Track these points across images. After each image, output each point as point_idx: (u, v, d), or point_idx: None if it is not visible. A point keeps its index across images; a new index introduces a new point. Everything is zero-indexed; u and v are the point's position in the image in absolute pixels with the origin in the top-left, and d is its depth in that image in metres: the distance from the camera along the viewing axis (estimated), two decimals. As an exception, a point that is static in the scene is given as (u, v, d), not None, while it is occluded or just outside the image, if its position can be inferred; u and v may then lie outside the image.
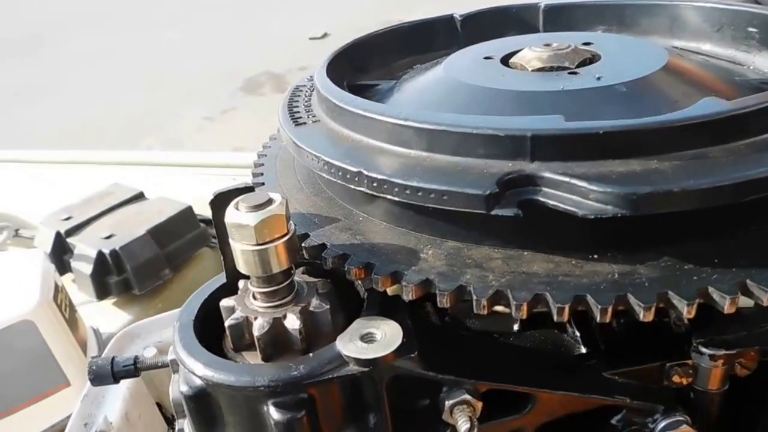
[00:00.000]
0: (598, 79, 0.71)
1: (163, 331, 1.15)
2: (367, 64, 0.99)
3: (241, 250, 0.59)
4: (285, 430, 0.57)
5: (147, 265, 2.04)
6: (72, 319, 1.82)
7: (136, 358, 0.82)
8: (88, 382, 1.09)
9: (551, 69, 0.76)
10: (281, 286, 0.61)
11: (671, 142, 0.56)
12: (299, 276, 0.66)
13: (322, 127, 0.76)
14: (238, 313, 0.62)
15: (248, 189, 0.66)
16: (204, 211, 2.24)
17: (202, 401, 0.60)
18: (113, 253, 2.02)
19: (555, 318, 0.55)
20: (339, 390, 0.58)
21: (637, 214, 0.53)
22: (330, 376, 0.56)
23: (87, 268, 2.02)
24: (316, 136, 0.74)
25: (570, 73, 0.74)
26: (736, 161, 0.55)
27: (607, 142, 0.56)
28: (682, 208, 0.54)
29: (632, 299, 0.54)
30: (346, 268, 0.61)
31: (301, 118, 0.80)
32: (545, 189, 0.56)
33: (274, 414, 0.57)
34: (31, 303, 1.65)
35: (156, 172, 2.40)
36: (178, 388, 0.64)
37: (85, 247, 2.04)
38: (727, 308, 0.53)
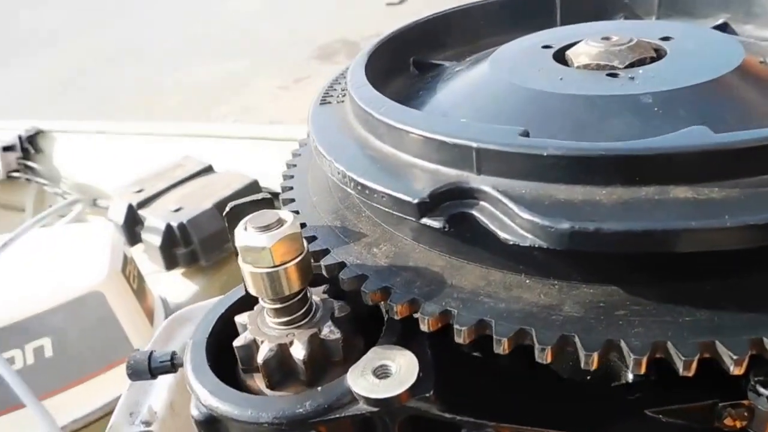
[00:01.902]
0: (632, 79, 0.61)
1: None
2: (445, 39, 0.89)
3: (250, 272, 0.53)
4: (292, 466, 0.52)
5: (213, 238, 2.03)
6: (140, 290, 1.83)
7: (173, 354, 0.78)
8: (156, 331, 1.08)
9: (596, 67, 0.65)
10: (293, 306, 0.55)
11: (618, 174, 0.48)
12: (319, 295, 0.59)
13: (340, 109, 0.70)
14: (247, 334, 0.56)
15: (266, 201, 0.60)
16: (270, 184, 2.21)
17: (211, 427, 0.56)
18: (181, 225, 2.02)
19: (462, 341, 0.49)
20: (348, 428, 0.52)
21: (556, 248, 0.46)
22: (337, 415, 0.50)
23: (156, 240, 2.03)
24: (325, 117, 0.69)
25: (609, 74, 0.63)
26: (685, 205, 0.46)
27: (552, 165, 0.49)
28: (605, 249, 0.46)
29: (534, 335, 0.47)
30: (362, 292, 0.54)
31: (332, 96, 0.74)
32: (483, 204, 0.51)
33: (281, 451, 0.52)
34: (100, 275, 1.66)
35: (225, 145, 2.38)
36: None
37: (155, 220, 2.05)
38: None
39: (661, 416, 0.57)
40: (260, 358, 0.53)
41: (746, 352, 0.44)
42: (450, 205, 0.52)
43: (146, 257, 2.08)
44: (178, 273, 2.09)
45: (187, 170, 2.25)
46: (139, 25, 8.48)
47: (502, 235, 0.49)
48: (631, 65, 0.63)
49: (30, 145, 2.56)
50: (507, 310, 0.50)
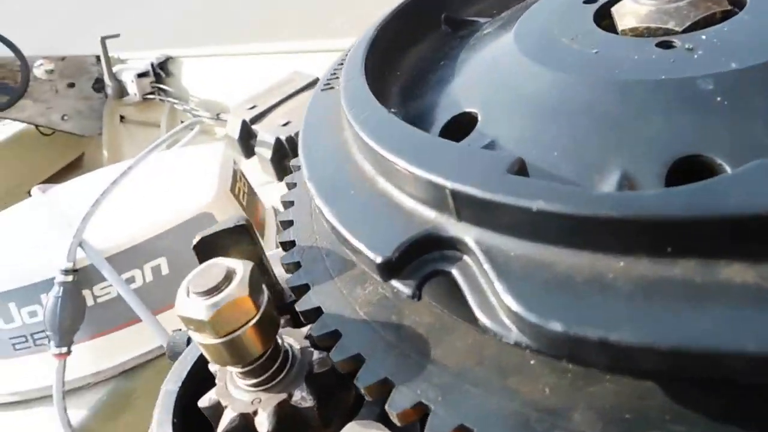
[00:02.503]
0: (689, 51, 0.40)
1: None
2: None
3: (202, 344, 0.44)
4: None
5: (320, 149, 2.00)
6: (250, 204, 1.85)
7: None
8: None
9: (646, 32, 0.44)
10: (259, 367, 0.45)
11: (640, 242, 0.31)
12: (299, 341, 0.49)
13: (336, 98, 0.56)
14: (212, 395, 0.48)
15: (241, 228, 0.50)
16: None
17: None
18: (289, 138, 1.99)
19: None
20: None
21: (547, 353, 0.32)
22: None
23: (267, 153, 2.03)
24: (322, 107, 0.57)
25: (660, 44, 0.42)
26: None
27: (547, 222, 0.33)
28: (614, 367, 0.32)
29: None
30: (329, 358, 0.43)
31: (337, 78, 0.60)
32: (466, 260, 0.36)
33: None
34: (209, 196, 1.68)
35: (332, 59, 2.28)
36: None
37: (265, 134, 2.04)
38: None
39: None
40: (220, 430, 0.46)
41: None
42: (425, 261, 0.38)
43: (260, 169, 2.10)
44: (289, 183, 2.10)
45: (295, 85, 2.21)
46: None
47: (482, 319, 0.34)
48: (693, 27, 0.43)
49: (161, 71, 2.64)
50: (496, 414, 0.37)
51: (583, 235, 0.33)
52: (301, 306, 0.47)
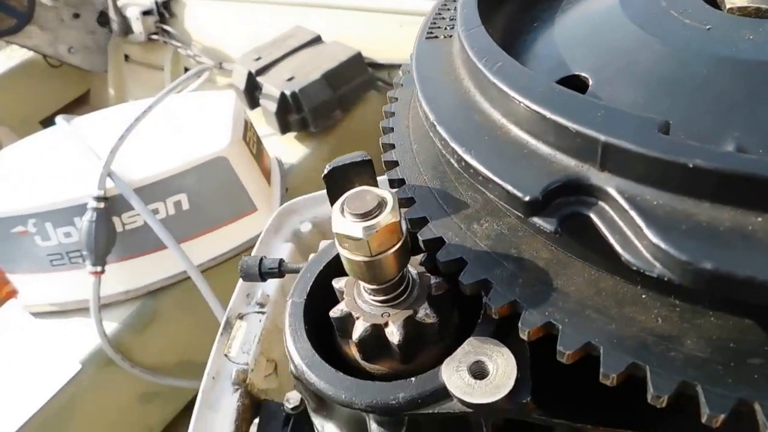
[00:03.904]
0: None
1: (318, 208, 1.07)
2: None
3: (347, 258, 0.44)
4: (384, 447, 0.46)
5: (321, 107, 1.97)
6: (258, 152, 1.81)
7: (280, 261, 0.74)
8: (268, 220, 1.07)
9: (755, 12, 0.44)
10: (389, 288, 0.46)
11: None
12: (415, 266, 0.50)
13: (446, 48, 0.54)
14: (343, 307, 0.48)
15: (365, 163, 0.49)
16: (372, 54, 2.06)
17: (306, 387, 0.51)
18: (293, 94, 1.94)
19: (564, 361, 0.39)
20: (440, 420, 0.45)
21: (689, 286, 0.33)
22: (430, 411, 0.43)
23: (272, 107, 1.98)
24: (430, 59, 0.54)
25: None
26: None
27: (698, 178, 0.34)
28: (754, 301, 0.33)
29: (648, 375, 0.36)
30: (459, 282, 0.44)
31: (439, 27, 0.58)
32: (603, 206, 0.38)
33: (374, 429, 0.46)
34: (224, 141, 1.64)
35: (332, 15, 2.21)
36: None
37: (271, 87, 1.98)
38: None
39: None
40: (355, 336, 0.46)
41: None
42: (564, 203, 0.39)
43: (264, 120, 2.04)
44: (291, 136, 2.06)
45: (298, 40, 2.13)
46: None
47: (625, 255, 0.36)
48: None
49: (165, 10, 2.51)
50: (618, 335, 0.38)
51: (728, 191, 0.34)
52: (424, 235, 0.47)
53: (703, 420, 0.35)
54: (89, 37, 2.67)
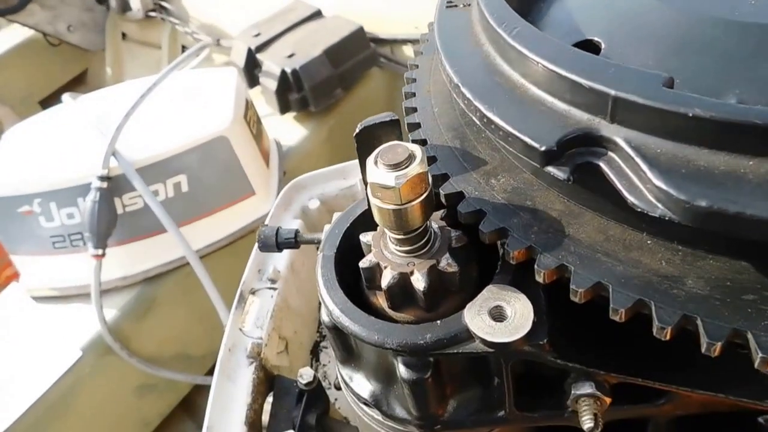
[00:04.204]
0: None
1: (326, 184, 1.11)
2: None
3: (378, 207, 0.49)
4: (412, 387, 0.51)
5: (322, 85, 1.98)
6: (258, 133, 1.84)
7: (296, 231, 0.79)
8: (272, 205, 1.11)
9: None
10: (415, 237, 0.52)
11: None
12: (437, 221, 0.56)
13: (466, 16, 0.59)
14: (371, 257, 0.53)
15: (393, 122, 0.54)
16: (374, 29, 2.07)
17: (340, 333, 0.56)
18: (294, 72, 1.95)
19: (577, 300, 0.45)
20: (464, 360, 0.50)
21: (688, 224, 0.39)
22: (455, 351, 0.49)
23: (272, 85, 1.99)
24: (451, 26, 0.59)
25: None
26: None
27: (697, 126, 0.40)
28: (744, 236, 0.38)
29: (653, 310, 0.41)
30: (479, 230, 0.50)
31: None
32: (612, 156, 0.43)
33: (402, 371, 0.51)
34: (225, 121, 1.66)
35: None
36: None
37: (271, 65, 1.99)
38: None
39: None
40: (384, 284, 0.51)
41: None
42: (576, 153, 0.44)
43: (263, 100, 2.06)
44: (290, 116, 2.08)
45: (298, 14, 2.15)
46: None
47: (630, 198, 0.41)
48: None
49: None
50: (625, 275, 0.44)
51: (724, 138, 0.40)
52: (445, 189, 0.52)
53: (703, 349, 0.40)
54: (87, 15, 2.71)
